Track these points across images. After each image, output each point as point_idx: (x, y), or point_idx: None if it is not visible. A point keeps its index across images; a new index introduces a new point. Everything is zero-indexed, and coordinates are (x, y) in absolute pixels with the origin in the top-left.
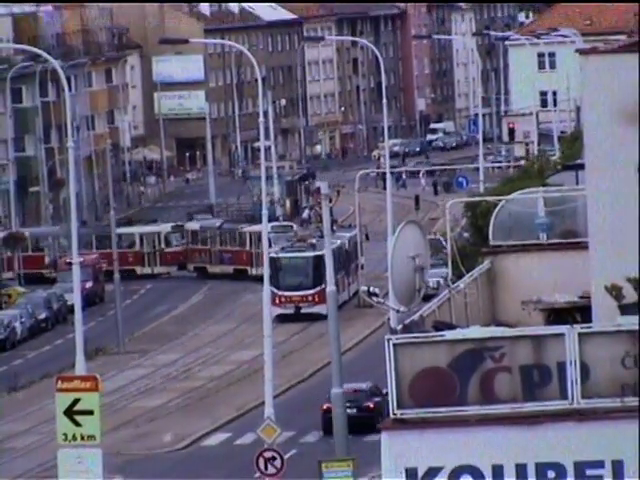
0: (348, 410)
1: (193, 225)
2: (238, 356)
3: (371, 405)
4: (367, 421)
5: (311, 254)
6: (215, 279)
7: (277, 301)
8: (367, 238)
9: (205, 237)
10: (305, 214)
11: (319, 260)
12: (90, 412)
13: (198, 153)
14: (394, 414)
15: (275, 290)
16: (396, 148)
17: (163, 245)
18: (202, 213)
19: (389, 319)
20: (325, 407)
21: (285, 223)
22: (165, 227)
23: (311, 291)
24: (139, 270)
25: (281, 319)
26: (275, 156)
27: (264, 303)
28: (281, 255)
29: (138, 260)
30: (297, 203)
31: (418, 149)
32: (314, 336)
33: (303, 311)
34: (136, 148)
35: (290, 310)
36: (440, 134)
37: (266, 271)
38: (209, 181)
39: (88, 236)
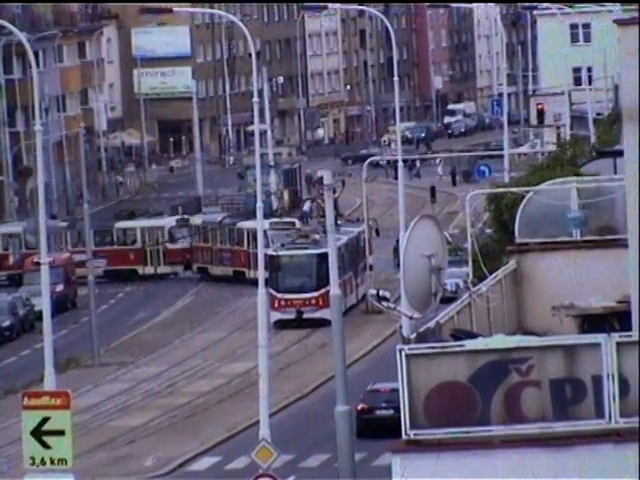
0: (384, 411)
1: (198, 219)
2: (230, 369)
3: None
4: None
5: (315, 251)
6: (207, 281)
7: (276, 305)
8: (377, 234)
9: (207, 234)
10: (306, 207)
11: (324, 258)
12: (61, 432)
13: (184, 138)
14: (407, 435)
15: (274, 292)
16: (409, 132)
17: (167, 241)
18: (211, 205)
19: (401, 327)
20: (360, 407)
21: (286, 219)
22: (170, 221)
23: (315, 293)
24: (141, 270)
25: (280, 325)
26: (271, 141)
27: (259, 308)
28: (281, 253)
29: (139, 259)
30: (296, 195)
31: (423, 135)
32: (316, 346)
33: (305, 316)
34: (113, 132)
35: (291, 315)
36: (459, 116)
37: (261, 272)
38: (196, 170)
39: (79, 232)
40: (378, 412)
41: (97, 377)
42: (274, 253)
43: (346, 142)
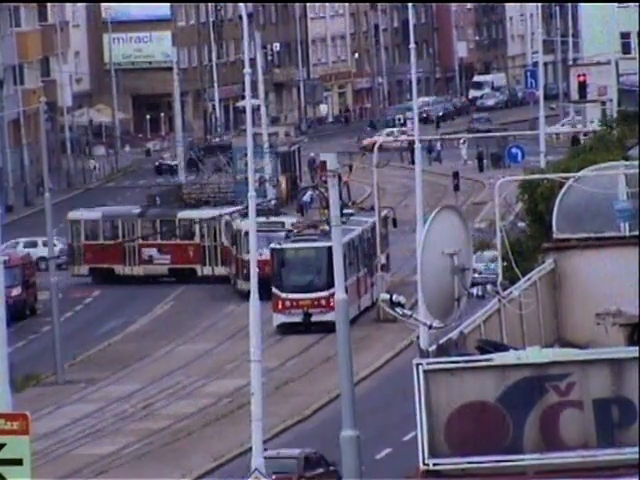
0: None
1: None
2: (217, 387)
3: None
4: None
5: (324, 244)
6: (191, 284)
7: (280, 306)
8: (394, 225)
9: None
10: (306, 196)
11: None
12: (18, 462)
13: (162, 115)
14: (425, 464)
15: (278, 292)
16: (428, 108)
17: (224, 237)
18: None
19: (418, 337)
20: None
21: (273, 219)
22: (229, 211)
23: (324, 293)
24: (199, 270)
25: (285, 329)
26: (266, 120)
27: (252, 316)
28: (285, 246)
29: (198, 256)
30: (295, 182)
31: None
32: (319, 359)
33: (314, 319)
34: (79, 109)
35: (297, 317)
36: (487, 89)
37: (253, 274)
38: (177, 153)
39: (150, 221)
40: None
41: (61, 397)
42: (277, 246)
43: (346, 122)
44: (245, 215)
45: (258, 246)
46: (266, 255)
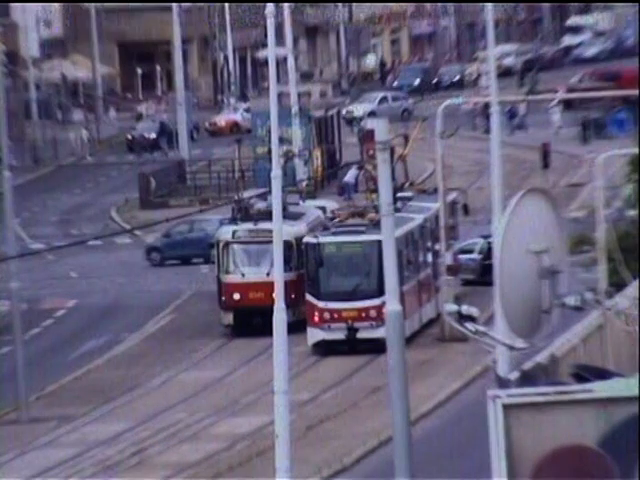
0: None
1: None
2: (230, 426)
3: None
4: None
5: (375, 238)
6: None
7: (317, 318)
8: (466, 212)
9: None
10: (349, 176)
11: None
12: None
13: (159, 69)
14: None
15: (314, 300)
16: (508, 60)
17: None
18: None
19: (496, 362)
20: None
21: (262, 226)
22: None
23: (375, 301)
24: None
25: (324, 349)
26: (295, 75)
27: (276, 334)
28: (324, 240)
29: None
30: (334, 157)
31: (417, 82)
32: (364, 390)
33: (360, 335)
34: (49, 60)
35: (339, 334)
36: (587, 35)
37: (280, 280)
38: (178, 119)
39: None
40: None
41: (25, 439)
42: (313, 240)
43: (381, 80)
44: (233, 220)
45: (242, 263)
46: (253, 277)
